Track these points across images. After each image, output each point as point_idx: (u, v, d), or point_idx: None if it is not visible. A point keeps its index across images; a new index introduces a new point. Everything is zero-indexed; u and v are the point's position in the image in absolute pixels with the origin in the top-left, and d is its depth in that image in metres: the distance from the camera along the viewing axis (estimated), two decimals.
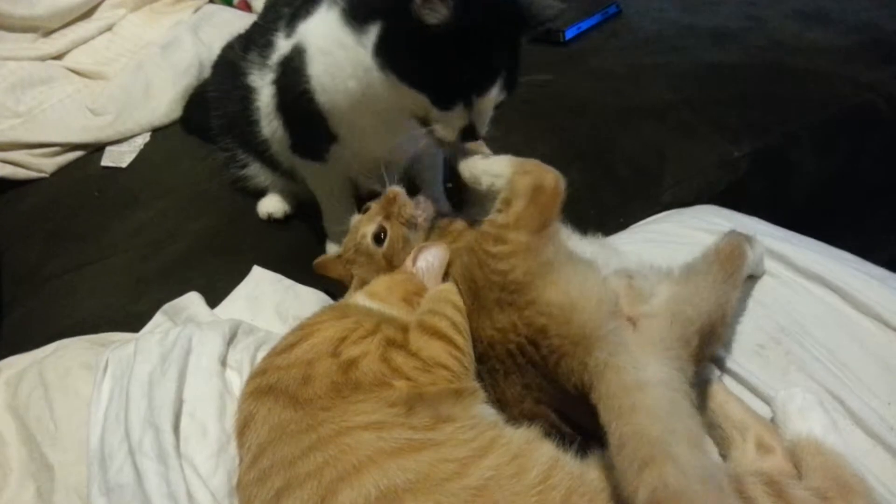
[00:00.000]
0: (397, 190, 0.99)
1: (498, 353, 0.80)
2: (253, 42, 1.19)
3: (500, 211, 0.83)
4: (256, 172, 1.34)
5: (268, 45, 1.13)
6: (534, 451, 0.66)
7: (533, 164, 0.87)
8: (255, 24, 1.28)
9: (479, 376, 0.81)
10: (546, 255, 0.79)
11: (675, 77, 1.52)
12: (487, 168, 0.90)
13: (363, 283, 0.94)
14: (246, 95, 1.19)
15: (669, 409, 0.64)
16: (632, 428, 0.62)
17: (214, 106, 1.37)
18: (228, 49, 1.39)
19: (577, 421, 0.76)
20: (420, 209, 1.00)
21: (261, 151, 1.25)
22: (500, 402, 0.80)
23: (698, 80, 1.50)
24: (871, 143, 1.45)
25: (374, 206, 1.00)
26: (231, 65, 1.26)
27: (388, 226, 0.96)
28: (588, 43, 1.72)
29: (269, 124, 1.17)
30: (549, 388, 0.76)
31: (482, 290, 0.81)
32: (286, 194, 1.35)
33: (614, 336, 0.71)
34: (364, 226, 0.98)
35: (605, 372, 0.69)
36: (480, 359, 0.82)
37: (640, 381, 0.66)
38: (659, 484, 0.57)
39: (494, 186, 0.88)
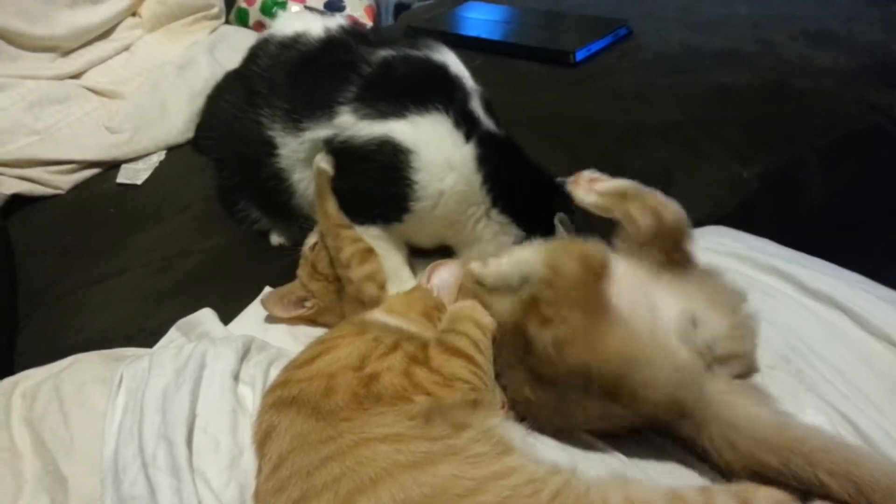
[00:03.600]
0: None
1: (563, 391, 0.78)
2: (278, 98, 1.14)
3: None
4: (272, 227, 1.34)
5: (318, 105, 1.07)
6: (549, 475, 0.67)
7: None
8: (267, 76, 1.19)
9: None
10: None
11: (684, 97, 1.53)
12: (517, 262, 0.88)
13: (300, 281, 1.12)
14: (266, 151, 1.15)
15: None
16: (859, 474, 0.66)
17: (218, 166, 1.35)
18: (220, 102, 1.32)
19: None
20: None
21: (280, 207, 1.22)
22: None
23: (706, 100, 1.52)
24: (878, 164, 1.46)
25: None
26: (238, 119, 1.21)
27: (320, 241, 1.12)
28: (598, 64, 1.74)
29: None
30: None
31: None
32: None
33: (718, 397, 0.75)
34: (311, 237, 1.15)
35: (734, 433, 0.73)
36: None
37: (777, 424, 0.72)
38: None
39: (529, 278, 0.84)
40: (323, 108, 1.06)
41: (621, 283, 0.81)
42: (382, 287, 1.05)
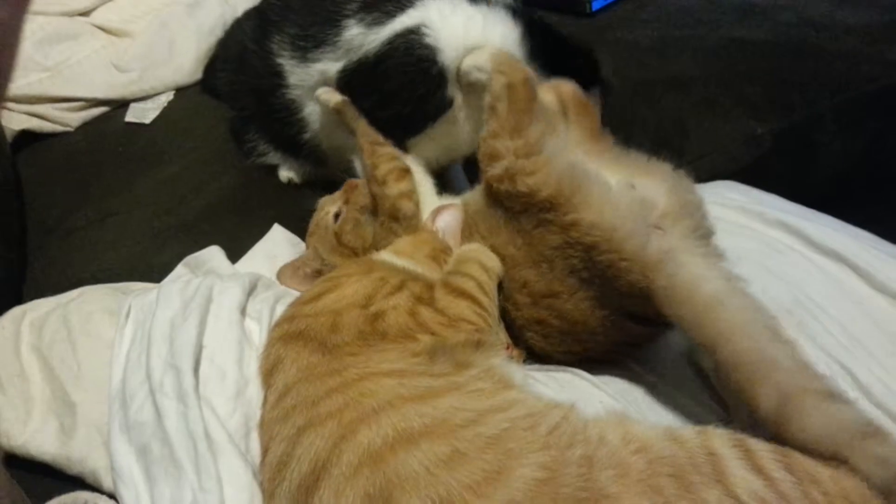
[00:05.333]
0: (357, 181, 1.09)
1: (558, 274, 0.83)
2: (288, 23, 1.14)
3: (487, 121, 0.89)
4: (280, 161, 1.34)
5: (327, 25, 1.08)
6: (548, 409, 0.68)
7: (507, 62, 0.92)
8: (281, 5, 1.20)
9: (530, 324, 0.86)
10: (556, 165, 0.82)
11: (701, 51, 1.50)
12: (475, 62, 0.98)
13: (315, 251, 1.06)
14: (276, 82, 1.15)
15: (751, 315, 0.70)
16: (731, 352, 0.68)
17: (230, 99, 1.35)
18: (237, 34, 1.33)
19: (648, 317, 0.81)
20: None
21: (290, 141, 1.22)
22: (566, 333, 0.85)
23: (724, 55, 1.48)
24: None
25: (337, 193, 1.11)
26: (251, 51, 1.22)
27: (345, 209, 1.06)
28: (614, 14, 1.70)
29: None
30: (616, 296, 0.80)
31: (522, 218, 0.85)
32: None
33: (664, 253, 0.76)
34: (328, 205, 1.09)
35: (674, 296, 0.73)
36: (534, 293, 0.85)
37: (713, 298, 0.71)
38: (777, 394, 0.64)
39: (480, 80, 0.96)
40: (330, 25, 1.05)
41: (559, 141, 0.88)
42: (418, 205, 1.03)
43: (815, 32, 1.53)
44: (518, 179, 0.82)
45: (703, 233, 0.85)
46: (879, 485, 0.59)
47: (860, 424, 0.62)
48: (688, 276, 0.73)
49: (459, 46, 1.00)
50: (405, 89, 1.03)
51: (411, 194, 1.03)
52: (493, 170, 0.86)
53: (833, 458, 0.61)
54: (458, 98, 1.04)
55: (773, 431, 0.65)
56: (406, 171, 1.04)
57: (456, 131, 1.08)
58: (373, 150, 1.05)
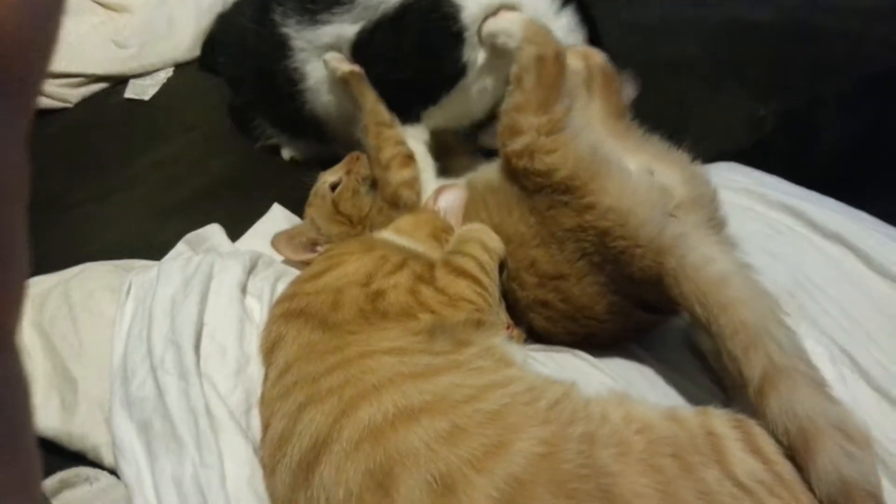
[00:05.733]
0: (360, 153, 1.09)
1: (568, 256, 0.82)
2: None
3: (511, 93, 0.87)
4: (284, 142, 1.33)
5: None
6: (548, 384, 0.68)
7: (540, 33, 0.89)
8: None
9: (535, 305, 0.86)
10: (577, 145, 0.81)
11: (706, 32, 1.49)
12: (504, 27, 0.93)
13: (311, 221, 1.05)
14: (280, 54, 1.12)
15: (754, 292, 0.71)
16: (730, 320, 0.68)
17: (232, 85, 1.33)
18: (236, 17, 1.31)
19: (656, 305, 0.82)
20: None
21: (293, 118, 1.20)
22: (570, 317, 0.85)
23: (729, 36, 1.48)
24: None
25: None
26: (251, 30, 1.20)
27: (345, 178, 1.06)
28: None
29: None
30: (626, 282, 0.80)
31: (536, 197, 0.84)
32: None
33: (677, 238, 0.76)
34: (328, 175, 1.08)
35: (682, 275, 0.73)
36: (542, 273, 0.85)
37: (720, 276, 0.72)
38: (767, 364, 0.65)
39: (507, 46, 0.91)
40: None
41: (582, 118, 0.87)
42: (419, 195, 1.02)
43: (819, 13, 1.52)
44: (537, 157, 0.81)
45: (716, 223, 0.84)
46: (840, 478, 0.58)
47: (839, 417, 0.61)
48: (697, 257, 0.74)
49: (483, 5, 0.96)
50: (423, 48, 1.00)
51: (413, 183, 1.02)
52: (514, 145, 0.84)
53: (796, 443, 0.60)
54: (474, 63, 1.00)
55: (753, 401, 0.65)
56: (410, 158, 1.04)
57: (468, 99, 1.05)
58: (378, 132, 1.03)
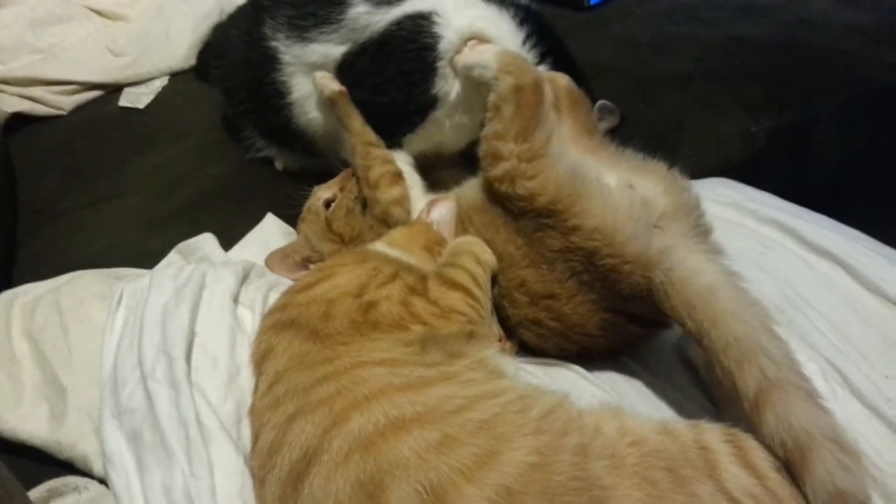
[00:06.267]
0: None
1: (558, 276, 0.83)
2: (283, 5, 1.13)
3: (490, 120, 0.88)
4: (276, 155, 1.33)
5: (330, 3, 1.07)
6: (540, 394, 0.68)
7: (515, 63, 0.91)
8: None
9: (526, 323, 0.87)
10: (557, 171, 0.82)
11: (700, 48, 1.50)
12: (479, 59, 0.95)
13: (305, 238, 1.05)
14: (270, 67, 1.14)
15: (743, 303, 0.71)
16: (720, 333, 0.69)
17: (226, 96, 1.35)
18: (228, 30, 1.33)
19: (647, 319, 0.83)
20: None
21: (283, 131, 1.21)
22: (562, 335, 0.85)
23: (723, 52, 1.49)
24: (894, 126, 1.44)
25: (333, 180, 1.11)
26: (244, 42, 1.22)
27: (340, 195, 1.06)
28: (612, 9, 1.70)
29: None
30: (617, 299, 0.81)
31: (521, 220, 0.85)
32: None
33: (663, 251, 0.77)
34: (321, 191, 1.08)
35: (671, 288, 0.74)
36: (532, 293, 0.86)
37: (708, 288, 0.72)
38: (760, 377, 0.65)
39: (483, 77, 0.93)
40: (334, 3, 1.04)
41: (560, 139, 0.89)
42: (409, 212, 1.03)
43: (815, 32, 1.54)
44: (518, 182, 0.82)
45: (701, 230, 0.85)
46: (835, 489, 0.58)
47: (833, 429, 0.62)
48: (685, 269, 0.74)
49: (459, 39, 1.00)
50: (401, 75, 1.03)
51: (403, 201, 1.03)
52: (494, 170, 0.85)
53: (793, 455, 0.61)
54: (446, 96, 1.02)
55: (748, 415, 0.65)
56: (399, 176, 1.05)
57: (443, 131, 1.07)
58: (367, 152, 1.05)
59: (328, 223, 1.03)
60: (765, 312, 0.71)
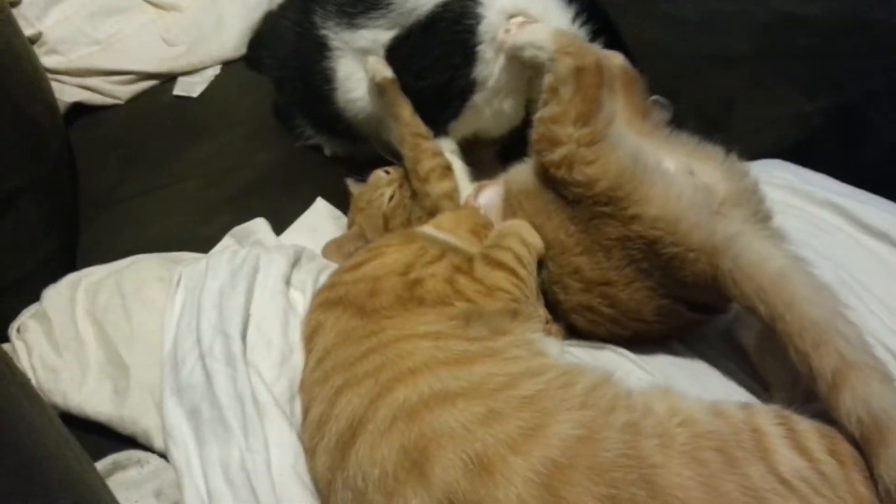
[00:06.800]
0: None
1: (615, 263, 0.81)
2: None
3: (546, 102, 0.85)
4: (324, 142, 1.35)
5: None
6: (583, 370, 0.68)
7: (575, 43, 0.87)
8: None
9: (579, 309, 0.86)
10: (618, 155, 0.79)
11: (751, 26, 1.47)
12: (532, 39, 0.91)
13: (360, 229, 1.07)
14: (319, 56, 1.15)
15: (815, 288, 0.71)
16: (796, 317, 0.68)
17: (277, 85, 1.37)
18: (280, 20, 1.35)
19: (705, 305, 0.82)
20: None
21: (332, 119, 1.22)
22: (615, 321, 0.84)
23: (775, 30, 1.45)
24: None
25: (392, 172, 1.11)
26: (294, 33, 1.24)
27: (398, 193, 1.07)
28: None
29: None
30: (677, 286, 0.80)
31: (576, 207, 0.83)
32: None
33: (729, 238, 0.75)
34: (384, 186, 1.09)
35: (740, 275, 0.73)
36: (587, 280, 0.84)
37: (779, 273, 0.71)
38: (837, 359, 0.64)
39: (537, 59, 0.89)
40: None
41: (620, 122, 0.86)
42: (458, 205, 1.04)
43: (872, 6, 1.48)
44: (576, 168, 0.80)
45: (763, 216, 0.83)
46: None
47: None
48: (753, 255, 0.73)
49: (501, 19, 0.98)
50: (445, 58, 1.02)
51: (453, 194, 1.04)
52: (551, 155, 0.83)
53: (870, 432, 0.60)
54: (484, 81, 1.01)
55: (824, 397, 0.64)
56: (448, 169, 1.05)
57: (482, 117, 1.06)
58: (416, 143, 1.04)
59: (386, 220, 1.05)
60: (836, 296, 0.71)
